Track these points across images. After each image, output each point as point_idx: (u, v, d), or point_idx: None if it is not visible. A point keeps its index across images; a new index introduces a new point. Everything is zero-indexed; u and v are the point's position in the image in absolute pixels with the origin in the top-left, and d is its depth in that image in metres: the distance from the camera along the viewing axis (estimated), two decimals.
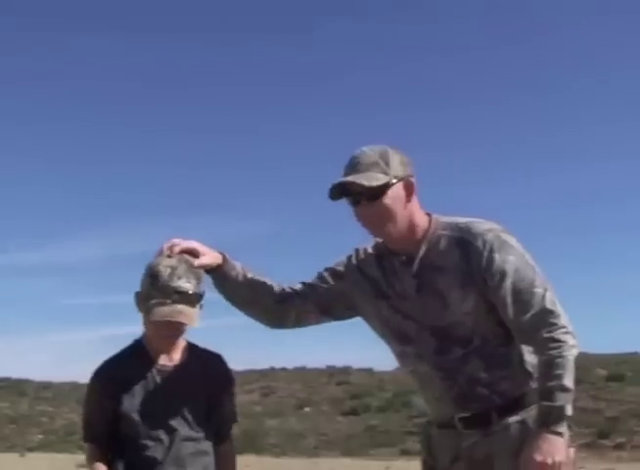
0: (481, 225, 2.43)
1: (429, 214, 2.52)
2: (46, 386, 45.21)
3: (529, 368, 2.42)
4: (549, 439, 2.27)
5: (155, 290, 2.37)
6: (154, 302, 2.37)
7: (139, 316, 2.49)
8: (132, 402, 2.46)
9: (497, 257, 2.37)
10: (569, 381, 2.30)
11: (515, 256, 2.39)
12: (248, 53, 56.95)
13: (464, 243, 2.41)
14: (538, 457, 2.26)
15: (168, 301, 2.36)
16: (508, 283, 2.36)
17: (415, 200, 2.48)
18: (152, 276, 2.39)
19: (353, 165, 2.42)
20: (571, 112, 54.59)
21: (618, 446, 22.99)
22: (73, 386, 44.96)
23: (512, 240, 2.42)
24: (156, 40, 57.77)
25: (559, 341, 2.31)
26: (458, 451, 2.44)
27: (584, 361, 35.98)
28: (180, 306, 2.37)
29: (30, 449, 32.03)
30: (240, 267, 2.60)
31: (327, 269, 2.65)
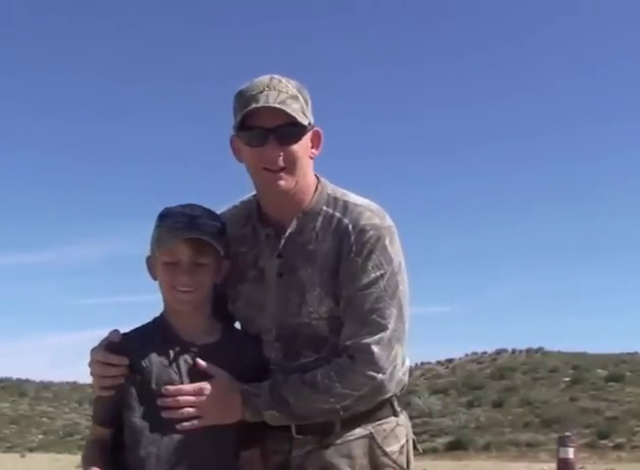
0: (373, 217, 1.96)
1: (317, 178, 2.04)
2: (46, 386, 45.23)
3: None
4: (231, 386, 1.93)
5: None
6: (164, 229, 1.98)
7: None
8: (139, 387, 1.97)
9: (371, 265, 1.92)
10: (305, 411, 1.92)
11: (390, 268, 1.93)
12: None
13: (344, 232, 1.94)
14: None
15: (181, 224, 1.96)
16: (365, 299, 1.92)
17: (314, 157, 2.01)
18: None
19: (268, 91, 1.89)
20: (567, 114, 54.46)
21: (618, 446, 22.95)
22: (73, 386, 44.99)
23: (398, 244, 1.98)
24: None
25: (370, 377, 1.90)
26: (287, 459, 2.02)
27: (584, 361, 35.85)
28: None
29: (31, 450, 32.05)
30: None
31: None
